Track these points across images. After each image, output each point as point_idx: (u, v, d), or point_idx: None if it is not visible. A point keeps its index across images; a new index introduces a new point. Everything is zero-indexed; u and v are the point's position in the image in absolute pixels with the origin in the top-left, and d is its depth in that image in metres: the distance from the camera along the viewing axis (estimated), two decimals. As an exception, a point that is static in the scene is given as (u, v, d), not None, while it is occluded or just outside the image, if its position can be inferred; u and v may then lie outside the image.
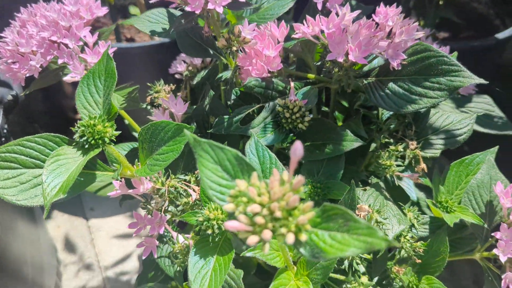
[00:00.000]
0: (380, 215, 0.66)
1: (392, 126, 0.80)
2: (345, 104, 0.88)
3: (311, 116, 0.71)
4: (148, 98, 0.96)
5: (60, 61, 0.78)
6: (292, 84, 0.73)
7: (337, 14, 0.70)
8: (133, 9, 1.70)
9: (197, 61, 1.06)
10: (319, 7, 0.80)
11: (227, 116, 0.71)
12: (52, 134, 0.67)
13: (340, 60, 0.65)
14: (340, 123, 0.89)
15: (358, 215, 0.67)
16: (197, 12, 0.63)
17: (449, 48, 1.05)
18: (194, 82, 1.04)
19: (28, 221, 1.19)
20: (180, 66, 1.08)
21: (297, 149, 0.35)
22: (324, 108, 0.90)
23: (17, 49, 0.77)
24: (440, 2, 1.57)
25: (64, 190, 0.58)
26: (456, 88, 0.65)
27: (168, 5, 0.82)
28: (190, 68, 1.06)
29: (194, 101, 1.05)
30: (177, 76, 1.10)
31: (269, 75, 0.71)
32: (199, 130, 0.79)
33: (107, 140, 0.62)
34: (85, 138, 0.61)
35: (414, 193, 0.77)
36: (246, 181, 0.39)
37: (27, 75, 0.77)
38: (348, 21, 0.68)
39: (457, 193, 0.83)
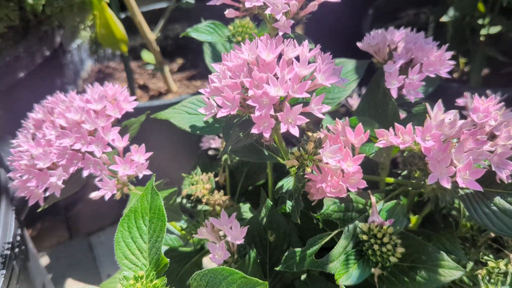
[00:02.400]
0: None
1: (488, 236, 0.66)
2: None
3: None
4: (184, 192, 0.82)
5: (85, 173, 0.64)
6: (373, 199, 0.59)
7: (429, 117, 0.56)
8: (146, 55, 1.56)
9: (233, 136, 0.92)
10: (394, 94, 0.67)
11: (299, 249, 0.58)
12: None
13: (447, 185, 0.51)
14: (412, 225, 0.75)
15: None
16: (266, 135, 0.49)
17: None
18: (233, 161, 0.91)
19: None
20: (214, 142, 0.95)
21: None
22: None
23: (34, 164, 0.63)
24: (482, 39, 1.44)
25: None
26: None
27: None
28: (224, 144, 0.93)
29: (233, 186, 0.91)
30: (210, 152, 0.96)
31: (346, 194, 0.58)
32: (256, 249, 0.65)
33: (158, 306, 0.49)
34: (131, 308, 0.47)
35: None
36: None
37: (47, 194, 0.63)
38: (446, 128, 0.55)
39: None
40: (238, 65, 0.52)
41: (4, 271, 0.72)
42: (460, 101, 0.74)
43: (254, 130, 0.50)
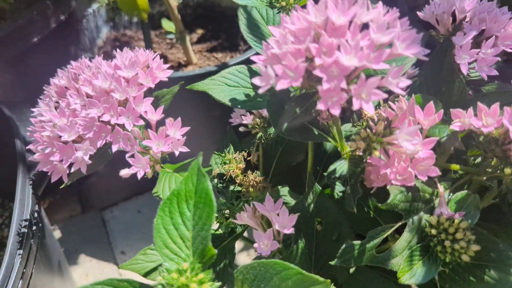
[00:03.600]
0: None
1: None
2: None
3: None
4: (216, 171, 0.75)
5: (114, 148, 0.58)
6: (441, 188, 0.52)
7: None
8: (166, 24, 1.48)
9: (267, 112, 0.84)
10: (464, 70, 0.59)
11: (358, 242, 0.51)
12: (116, 279, 0.47)
13: (539, 177, 0.44)
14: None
15: None
16: (336, 112, 0.42)
17: None
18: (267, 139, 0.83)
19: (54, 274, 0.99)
20: (246, 118, 0.87)
21: None
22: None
23: (57, 136, 0.56)
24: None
25: None
26: None
27: (250, 62, 0.60)
28: (257, 120, 0.85)
29: (266, 166, 0.84)
30: (241, 129, 0.89)
31: (414, 183, 0.50)
32: (306, 238, 0.58)
33: (205, 304, 0.42)
34: (174, 307, 0.41)
35: None
36: None
37: (73, 170, 0.57)
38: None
39: None
40: (304, 28, 0.44)
41: (21, 251, 0.67)
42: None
43: (320, 106, 0.42)
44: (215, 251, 0.44)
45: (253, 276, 0.47)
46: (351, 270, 0.61)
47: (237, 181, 0.74)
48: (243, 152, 0.76)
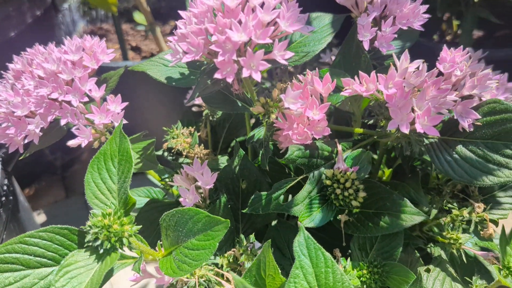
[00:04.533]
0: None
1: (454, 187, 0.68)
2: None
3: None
4: (165, 145, 0.84)
5: (62, 122, 0.66)
6: (339, 147, 0.61)
7: (395, 67, 0.57)
8: (138, 16, 1.56)
9: (217, 92, 0.93)
10: (366, 46, 0.67)
11: (265, 193, 0.60)
12: (58, 226, 0.57)
13: (406, 131, 0.53)
14: (385, 177, 0.77)
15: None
16: (229, 80, 0.51)
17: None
18: (215, 118, 0.92)
19: None
20: (197, 99, 0.96)
21: None
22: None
23: (12, 112, 0.65)
24: (475, 0, 1.42)
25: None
26: (549, 161, 0.53)
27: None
28: (208, 100, 0.94)
29: (215, 140, 0.93)
30: (194, 109, 0.98)
31: (311, 141, 0.59)
32: (228, 196, 0.68)
33: (126, 241, 0.51)
34: (99, 242, 0.50)
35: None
36: None
37: (26, 141, 0.66)
38: (411, 77, 0.56)
39: (526, 253, 0.71)
40: (203, 11, 0.53)
41: (-9, 218, 0.76)
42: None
43: (217, 75, 0.51)
44: (135, 199, 0.53)
45: (174, 222, 0.56)
46: (273, 223, 0.70)
47: (183, 153, 0.83)
48: (191, 127, 0.85)
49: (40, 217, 1.58)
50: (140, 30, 1.67)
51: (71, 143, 0.66)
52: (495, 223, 0.70)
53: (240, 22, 0.52)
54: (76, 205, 1.64)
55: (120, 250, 0.52)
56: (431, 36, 1.51)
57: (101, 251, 0.50)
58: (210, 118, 0.91)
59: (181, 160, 0.86)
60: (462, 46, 0.62)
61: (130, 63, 1.30)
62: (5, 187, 0.81)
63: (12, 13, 1.33)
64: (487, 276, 0.75)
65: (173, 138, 0.84)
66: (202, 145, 0.85)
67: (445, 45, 0.62)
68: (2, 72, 0.72)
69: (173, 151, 0.83)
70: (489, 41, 1.52)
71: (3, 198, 0.80)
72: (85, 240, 0.51)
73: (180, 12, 0.55)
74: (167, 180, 0.80)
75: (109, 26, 1.73)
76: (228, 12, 0.53)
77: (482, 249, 0.71)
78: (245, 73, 0.51)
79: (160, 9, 1.81)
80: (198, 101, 0.96)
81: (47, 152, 1.66)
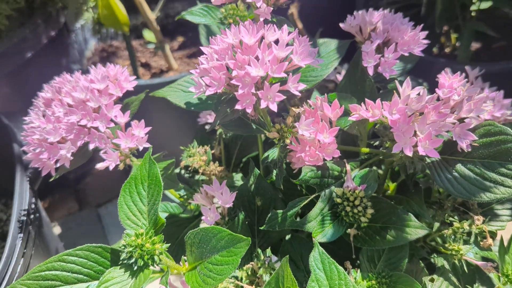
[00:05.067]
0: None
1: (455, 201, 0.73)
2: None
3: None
4: (182, 163, 0.90)
5: (91, 146, 0.72)
6: (348, 167, 0.66)
7: (398, 93, 0.63)
8: (147, 34, 1.62)
9: (228, 111, 0.99)
10: (370, 71, 0.73)
11: (280, 211, 0.65)
12: (93, 245, 0.62)
13: (409, 153, 0.58)
14: (390, 191, 0.82)
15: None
16: (248, 110, 0.56)
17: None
18: (228, 135, 0.98)
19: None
20: (210, 117, 1.02)
21: None
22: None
23: (45, 138, 0.70)
24: (473, 14, 1.47)
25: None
26: (541, 180, 0.59)
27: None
28: (220, 119, 0.99)
29: (228, 157, 0.98)
30: (207, 127, 1.03)
31: (323, 162, 0.65)
32: (245, 212, 0.73)
33: (157, 258, 0.57)
34: (133, 260, 0.55)
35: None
36: None
37: (58, 165, 0.71)
38: (412, 103, 0.61)
39: (524, 261, 0.77)
40: (224, 48, 0.58)
41: (21, 235, 0.81)
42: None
43: (237, 106, 0.57)
44: (164, 220, 0.58)
45: (198, 240, 0.61)
46: (287, 237, 0.75)
47: (200, 171, 0.88)
48: (206, 146, 0.91)
49: (55, 229, 1.63)
50: (149, 48, 1.73)
51: (100, 166, 0.71)
52: (494, 234, 0.75)
53: (257, 58, 0.57)
54: (89, 218, 1.69)
55: (151, 267, 0.57)
56: (431, 49, 1.56)
57: (135, 268, 0.56)
58: (223, 136, 0.97)
59: (197, 177, 0.92)
60: (458, 72, 0.67)
61: (142, 81, 1.36)
62: (33, 205, 0.87)
63: (28, 35, 1.39)
64: (487, 283, 0.80)
65: (190, 156, 0.89)
66: (217, 162, 0.91)
67: (443, 72, 0.67)
68: (33, 100, 0.77)
69: (190, 169, 0.89)
70: (487, 53, 1.57)
71: (32, 216, 0.85)
72: (121, 258, 0.56)
73: (202, 48, 0.61)
74: (185, 197, 0.85)
75: (119, 43, 1.79)
76: (246, 49, 0.58)
77: (483, 259, 0.75)
78: (263, 105, 0.56)
79: (168, 25, 1.87)
80: (211, 119, 1.02)
81: (61, 166, 1.71)
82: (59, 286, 0.60)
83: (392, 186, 0.84)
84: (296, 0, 1.43)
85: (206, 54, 0.60)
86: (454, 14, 1.45)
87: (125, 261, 0.56)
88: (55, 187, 1.74)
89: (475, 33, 1.40)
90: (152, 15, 1.45)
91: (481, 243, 0.73)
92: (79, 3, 1.49)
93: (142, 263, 0.55)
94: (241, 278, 0.67)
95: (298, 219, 0.72)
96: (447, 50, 1.59)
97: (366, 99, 0.62)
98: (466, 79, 0.68)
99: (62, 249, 1.27)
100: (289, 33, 0.60)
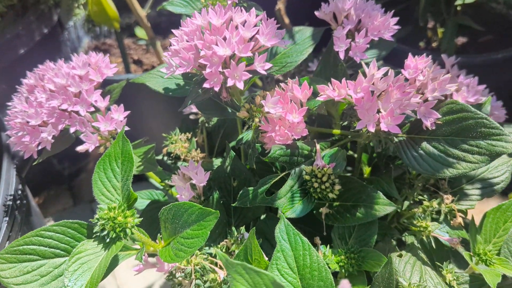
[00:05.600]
0: (421, 289, 0.62)
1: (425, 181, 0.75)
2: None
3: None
4: (165, 150, 0.92)
5: (72, 130, 0.75)
6: (318, 147, 0.69)
7: (364, 74, 0.65)
8: (139, 31, 1.65)
9: (212, 101, 1.01)
10: (342, 56, 0.75)
11: (252, 188, 0.67)
12: (70, 221, 0.65)
13: (372, 129, 0.61)
14: (366, 174, 0.84)
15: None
16: (216, 88, 0.59)
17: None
18: (210, 124, 1.00)
19: None
20: (194, 107, 1.04)
21: None
22: (349, 152, 0.86)
23: (27, 122, 0.73)
24: (458, 8, 1.50)
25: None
26: (499, 154, 0.61)
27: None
28: (204, 108, 1.02)
29: (211, 145, 1.01)
30: (191, 116, 1.06)
31: (292, 141, 0.67)
32: (221, 193, 0.75)
33: (129, 231, 0.59)
34: (105, 232, 0.58)
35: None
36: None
37: (39, 147, 0.74)
38: (378, 82, 0.64)
39: (496, 241, 0.78)
40: (193, 30, 0.61)
41: (7, 218, 0.84)
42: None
43: (205, 85, 0.59)
44: (136, 195, 0.61)
45: (171, 215, 0.63)
46: (262, 217, 0.77)
47: (181, 157, 0.91)
48: (188, 133, 0.93)
49: (49, 224, 1.65)
50: (142, 44, 1.76)
51: (80, 148, 0.74)
52: (464, 213, 0.77)
53: (224, 38, 0.60)
54: (83, 213, 1.71)
55: (124, 240, 0.59)
56: (417, 43, 1.58)
57: (107, 240, 0.58)
58: (206, 124, 0.99)
59: (179, 163, 0.94)
60: (425, 55, 0.69)
61: (132, 75, 1.39)
62: (19, 191, 0.89)
63: (21, 32, 1.42)
64: (462, 263, 0.82)
65: (172, 143, 0.92)
66: (199, 149, 0.93)
67: (410, 53, 0.69)
68: (16, 86, 0.80)
69: (172, 155, 0.91)
70: (473, 47, 1.59)
71: (18, 202, 0.87)
72: (93, 231, 0.59)
73: (173, 30, 0.63)
74: (166, 182, 0.88)
75: (112, 41, 1.82)
76: (214, 30, 0.61)
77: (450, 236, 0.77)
78: (229, 83, 0.58)
79: (161, 24, 1.90)
80: (195, 109, 1.04)
81: (55, 162, 1.74)
82: (37, 260, 0.62)
83: (367, 170, 0.86)
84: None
85: (176, 36, 0.63)
86: (439, 9, 1.47)
87: (98, 234, 0.58)
88: (50, 184, 1.77)
89: (460, 27, 1.42)
90: (142, 12, 1.48)
91: (451, 222, 0.75)
92: (70, 0, 1.52)
93: (114, 235, 0.58)
94: (215, 255, 0.69)
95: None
96: (434, 44, 1.61)
97: (332, 80, 0.64)
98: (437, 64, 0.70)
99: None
100: (257, 15, 0.62)
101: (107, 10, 1.36)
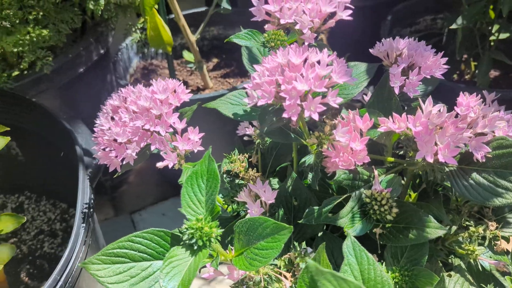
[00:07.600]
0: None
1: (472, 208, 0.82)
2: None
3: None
4: (225, 168, 1.01)
5: (152, 148, 0.84)
6: (376, 172, 0.76)
7: (421, 109, 0.73)
8: (186, 54, 1.76)
9: (265, 124, 1.10)
10: (396, 91, 0.83)
11: (317, 207, 0.75)
12: (156, 229, 0.73)
13: (430, 160, 0.68)
14: (412, 199, 0.91)
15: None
16: (294, 119, 0.67)
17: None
18: (265, 146, 1.09)
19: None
20: (248, 130, 1.13)
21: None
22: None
23: (114, 139, 0.82)
24: (492, 44, 1.57)
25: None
26: (545, 187, 0.68)
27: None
28: (257, 131, 1.11)
29: (264, 166, 1.09)
30: (245, 138, 1.14)
31: (355, 167, 0.75)
32: (284, 212, 0.83)
33: (213, 241, 0.67)
34: (194, 240, 0.66)
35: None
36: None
37: (124, 163, 0.83)
38: (434, 118, 0.71)
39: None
40: (274, 67, 0.70)
41: (84, 225, 0.93)
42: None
43: (284, 115, 0.68)
44: (220, 208, 0.69)
45: (246, 228, 0.71)
46: (319, 234, 0.84)
47: (240, 175, 0.99)
48: (246, 154, 1.01)
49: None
50: (186, 66, 1.87)
51: (160, 164, 0.82)
52: (507, 240, 0.83)
53: (302, 75, 0.68)
54: (124, 223, 1.80)
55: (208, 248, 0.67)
56: (451, 75, 1.66)
57: (195, 247, 0.66)
58: (261, 146, 1.07)
59: (237, 181, 1.02)
60: (475, 93, 0.77)
61: (197, 98, 1.49)
62: (92, 200, 0.98)
63: (82, 52, 1.54)
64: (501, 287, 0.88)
65: (231, 162, 1.00)
66: (255, 169, 1.01)
67: (461, 92, 0.77)
68: (101, 106, 0.90)
69: (231, 173, 0.99)
70: (505, 80, 1.66)
71: (91, 210, 0.96)
72: (183, 239, 0.67)
73: (255, 66, 0.72)
74: (227, 198, 0.96)
75: (158, 61, 1.94)
76: (293, 68, 0.70)
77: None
78: (306, 114, 0.67)
79: (203, 47, 2.01)
80: (249, 131, 1.13)
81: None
82: (127, 263, 0.71)
83: (413, 195, 0.93)
84: (322, 33, 1.56)
85: (258, 71, 0.72)
86: (474, 43, 1.55)
87: (186, 242, 0.66)
88: (93, 194, 1.87)
89: (494, 61, 1.49)
90: (193, 37, 1.59)
91: (495, 247, 0.81)
92: (127, 25, 1.64)
93: (201, 243, 0.66)
94: (280, 266, 0.76)
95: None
96: (467, 77, 1.68)
97: (393, 113, 0.72)
98: (482, 101, 0.78)
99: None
100: (329, 55, 0.71)
101: (163, 36, 1.47)
